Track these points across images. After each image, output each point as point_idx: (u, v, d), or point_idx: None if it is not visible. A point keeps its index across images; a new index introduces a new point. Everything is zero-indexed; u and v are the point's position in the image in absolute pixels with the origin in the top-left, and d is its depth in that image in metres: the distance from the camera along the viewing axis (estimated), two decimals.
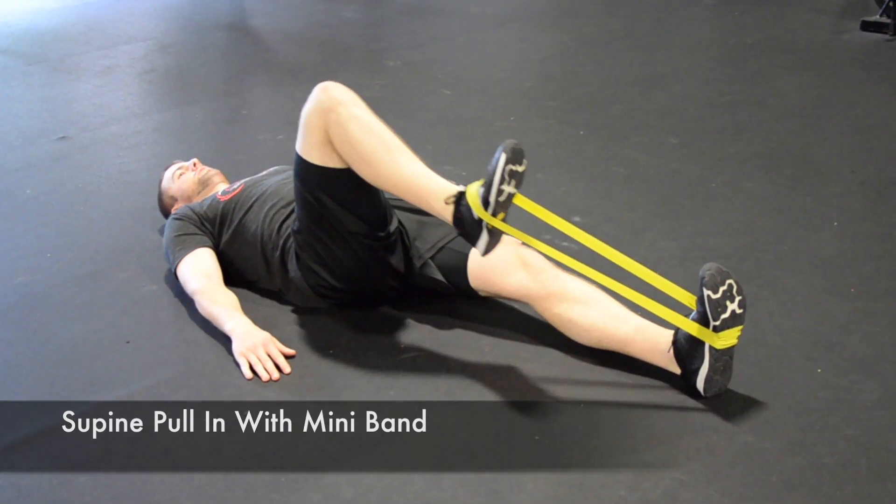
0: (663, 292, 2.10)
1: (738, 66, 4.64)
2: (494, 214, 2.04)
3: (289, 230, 2.43)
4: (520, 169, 2.06)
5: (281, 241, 2.44)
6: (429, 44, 5.27)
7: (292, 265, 2.42)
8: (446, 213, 2.12)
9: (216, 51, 5.32)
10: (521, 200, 2.13)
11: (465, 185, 2.12)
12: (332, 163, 2.24)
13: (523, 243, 2.25)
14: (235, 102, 4.41)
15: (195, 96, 4.46)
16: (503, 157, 2.02)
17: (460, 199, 2.09)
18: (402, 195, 2.21)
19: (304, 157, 2.27)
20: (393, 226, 2.38)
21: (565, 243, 2.78)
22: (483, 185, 2.06)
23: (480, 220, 2.05)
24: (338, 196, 2.27)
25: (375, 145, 2.17)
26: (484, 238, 2.06)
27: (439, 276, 2.40)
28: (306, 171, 2.28)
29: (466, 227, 2.09)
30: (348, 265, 2.34)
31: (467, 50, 5.20)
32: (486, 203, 2.04)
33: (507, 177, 2.03)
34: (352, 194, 2.27)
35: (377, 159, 2.17)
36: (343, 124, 2.19)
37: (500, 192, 2.02)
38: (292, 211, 2.46)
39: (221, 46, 5.41)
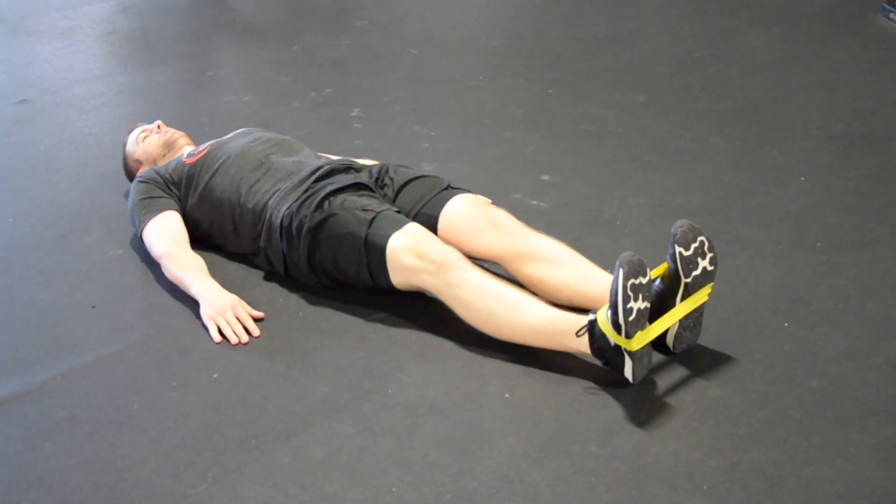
0: None
1: (706, 22, 4.63)
2: (630, 336, 1.89)
3: (276, 209, 2.34)
4: (643, 281, 1.89)
5: (255, 209, 2.39)
6: (396, 3, 5.21)
7: (276, 240, 2.35)
8: (583, 347, 1.99)
9: (180, 11, 5.23)
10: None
11: (594, 312, 1.97)
12: (405, 287, 2.20)
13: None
14: (201, 64, 4.34)
15: (159, 58, 4.39)
16: (621, 274, 1.87)
17: (592, 328, 1.96)
18: (532, 343, 2.07)
19: (376, 280, 2.22)
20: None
21: (534, 202, 2.78)
22: (610, 308, 1.91)
23: (619, 346, 1.92)
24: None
25: (491, 304, 2.07)
26: (629, 364, 1.92)
27: None
28: (362, 280, 2.25)
29: (608, 356, 1.95)
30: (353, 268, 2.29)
31: (435, 9, 5.14)
32: (616, 327, 1.89)
33: (630, 294, 1.87)
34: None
35: (496, 317, 2.06)
36: (454, 294, 2.10)
37: (627, 311, 1.87)
38: (261, 175, 2.43)
39: (185, 7, 5.32)
